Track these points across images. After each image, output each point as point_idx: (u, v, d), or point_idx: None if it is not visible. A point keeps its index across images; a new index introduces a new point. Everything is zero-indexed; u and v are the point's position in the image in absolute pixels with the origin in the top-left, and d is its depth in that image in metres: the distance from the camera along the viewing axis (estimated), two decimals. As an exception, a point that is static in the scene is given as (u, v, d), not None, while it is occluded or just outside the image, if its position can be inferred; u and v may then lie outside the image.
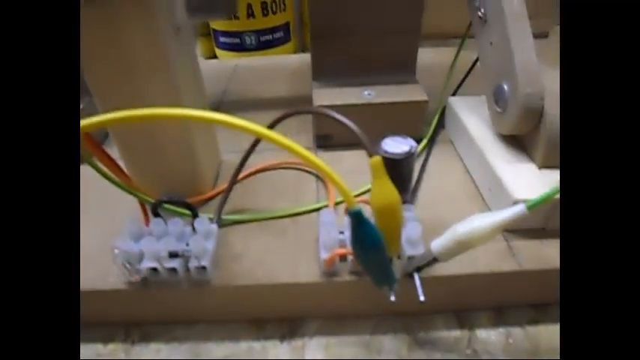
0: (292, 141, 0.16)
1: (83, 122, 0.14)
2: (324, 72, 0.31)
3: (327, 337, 0.22)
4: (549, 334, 0.22)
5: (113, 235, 0.25)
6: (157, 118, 0.16)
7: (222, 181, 0.28)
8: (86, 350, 0.23)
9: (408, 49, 0.31)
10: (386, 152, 0.21)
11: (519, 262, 0.22)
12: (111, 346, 0.23)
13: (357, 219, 0.17)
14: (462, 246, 0.18)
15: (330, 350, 0.22)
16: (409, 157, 0.21)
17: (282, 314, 0.23)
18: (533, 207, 0.18)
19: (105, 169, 0.21)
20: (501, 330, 0.23)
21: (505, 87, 0.25)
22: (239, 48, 0.50)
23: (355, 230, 0.17)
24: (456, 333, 0.23)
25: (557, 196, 0.18)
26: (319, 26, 0.29)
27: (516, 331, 0.23)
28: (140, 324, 0.23)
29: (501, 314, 0.23)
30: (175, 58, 0.21)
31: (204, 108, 0.26)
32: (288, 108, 0.21)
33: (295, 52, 0.55)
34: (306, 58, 0.47)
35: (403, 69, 0.31)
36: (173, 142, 0.24)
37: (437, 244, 0.19)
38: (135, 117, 0.15)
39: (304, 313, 0.23)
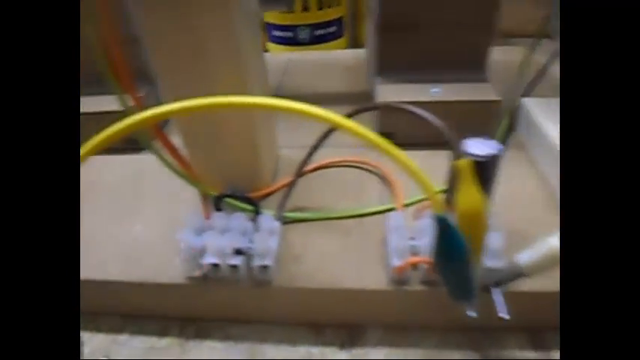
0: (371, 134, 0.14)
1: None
2: (389, 67, 0.30)
3: (389, 348, 0.21)
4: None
5: (172, 227, 0.24)
6: (232, 107, 0.15)
7: (281, 177, 0.27)
8: (141, 343, 0.22)
9: (480, 46, 0.29)
10: (471, 154, 0.19)
11: (610, 282, 0.20)
12: (166, 340, 0.22)
13: (443, 226, 0.15)
14: (556, 259, 0.17)
15: (393, 362, 0.20)
16: (495, 159, 0.19)
17: (343, 320, 0.22)
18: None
19: (167, 157, 0.21)
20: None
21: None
22: (292, 42, 0.49)
23: (440, 238, 0.16)
24: (530, 354, 0.21)
25: None
26: (388, 19, 0.28)
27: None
28: (195, 319, 0.23)
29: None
30: (245, 47, 0.21)
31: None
32: (344, 103, 0.20)
33: (347, 47, 0.53)
34: (359, 53, 0.45)
35: (473, 67, 0.29)
36: (236, 134, 0.23)
37: (525, 257, 0.17)
38: (206, 105, 0.14)
39: (366, 320, 0.22)
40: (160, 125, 0.21)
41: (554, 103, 0.28)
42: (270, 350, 0.21)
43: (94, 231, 0.24)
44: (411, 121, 0.19)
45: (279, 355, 0.21)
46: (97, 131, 0.13)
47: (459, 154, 0.17)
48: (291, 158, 0.29)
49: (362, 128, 0.15)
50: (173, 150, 0.21)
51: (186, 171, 0.21)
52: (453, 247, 0.16)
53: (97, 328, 0.23)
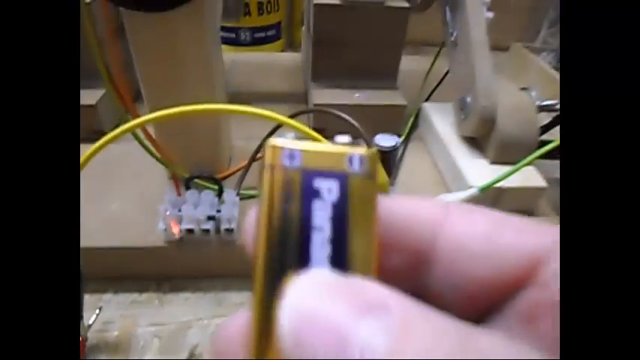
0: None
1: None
2: (321, 74, 0.37)
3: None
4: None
5: (145, 204, 0.29)
6: (206, 113, 0.20)
7: (235, 163, 0.33)
8: (123, 298, 0.27)
9: (392, 61, 0.37)
10: (378, 145, 0.27)
11: (472, 233, 0.29)
12: (145, 295, 0.28)
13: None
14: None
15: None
16: (395, 150, 0.27)
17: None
18: (483, 190, 0.25)
19: (146, 141, 0.26)
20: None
21: (468, 99, 0.32)
22: (234, 42, 0.54)
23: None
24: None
25: (501, 184, 0.25)
26: (320, 36, 0.35)
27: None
28: (170, 278, 0.28)
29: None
30: (213, 56, 0.26)
31: (225, 98, 0.31)
32: (283, 102, 0.26)
33: (284, 49, 0.60)
34: (296, 57, 0.52)
35: (387, 76, 0.38)
36: (203, 128, 0.28)
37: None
38: (185, 112, 0.19)
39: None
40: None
41: (445, 108, 0.37)
42: (234, 296, 0.28)
43: (74, 209, 0.29)
44: (337, 120, 0.26)
45: (242, 299, 0.27)
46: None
47: (369, 144, 0.25)
48: (242, 148, 0.35)
49: (301, 125, 0.21)
50: (153, 140, 0.26)
51: (163, 157, 0.27)
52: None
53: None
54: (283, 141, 0.10)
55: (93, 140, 0.18)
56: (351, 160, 0.10)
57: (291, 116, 0.26)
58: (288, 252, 0.09)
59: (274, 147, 0.10)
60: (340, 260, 0.09)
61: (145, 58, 0.25)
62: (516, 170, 0.26)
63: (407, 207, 0.11)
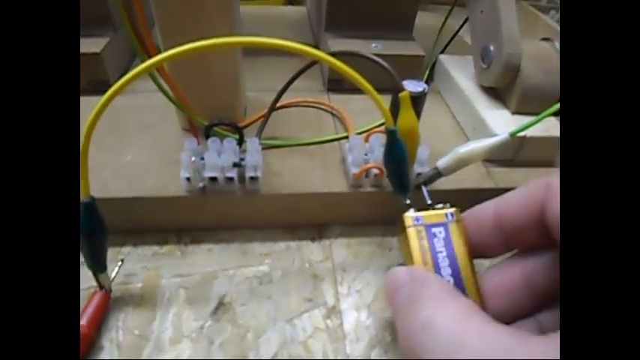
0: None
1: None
2: (336, 25, 0.35)
3: (348, 238, 0.28)
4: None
5: (161, 154, 0.28)
6: (226, 47, 0.18)
7: (250, 115, 0.32)
8: (143, 251, 0.27)
9: (408, 11, 0.36)
10: (409, 90, 0.26)
11: (495, 182, 0.29)
12: (166, 247, 0.27)
13: (393, 135, 0.22)
14: (462, 163, 0.25)
15: (352, 248, 0.28)
16: (423, 95, 0.26)
17: (312, 221, 0.28)
18: (513, 134, 0.24)
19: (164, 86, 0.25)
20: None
21: (491, 47, 0.31)
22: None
23: (389, 144, 0.23)
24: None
25: (525, 132, 0.25)
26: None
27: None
28: (190, 230, 0.28)
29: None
30: (234, 4, 0.25)
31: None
32: (293, 54, 0.25)
33: (284, 3, 0.57)
34: (301, 10, 0.50)
35: (403, 27, 0.36)
36: (222, 74, 0.27)
37: (442, 162, 0.25)
38: (210, 46, 0.17)
39: (330, 220, 0.28)
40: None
41: (463, 59, 0.36)
42: (257, 247, 0.27)
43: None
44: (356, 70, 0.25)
45: (267, 250, 0.27)
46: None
47: (401, 89, 0.24)
48: (255, 99, 0.34)
49: (339, 62, 0.20)
50: (174, 87, 0.25)
51: (183, 105, 0.25)
52: (397, 149, 0.23)
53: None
54: (412, 213, 0.21)
55: (98, 92, 0.16)
56: (447, 215, 0.20)
57: (332, 54, 0.25)
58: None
59: (408, 217, 0.20)
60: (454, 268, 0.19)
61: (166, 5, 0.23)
62: (544, 117, 0.26)
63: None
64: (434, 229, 0.21)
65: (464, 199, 0.29)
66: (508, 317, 0.18)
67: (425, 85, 0.27)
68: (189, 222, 0.27)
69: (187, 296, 0.24)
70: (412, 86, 0.27)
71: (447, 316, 0.13)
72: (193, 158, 0.24)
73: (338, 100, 0.34)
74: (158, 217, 0.27)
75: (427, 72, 0.37)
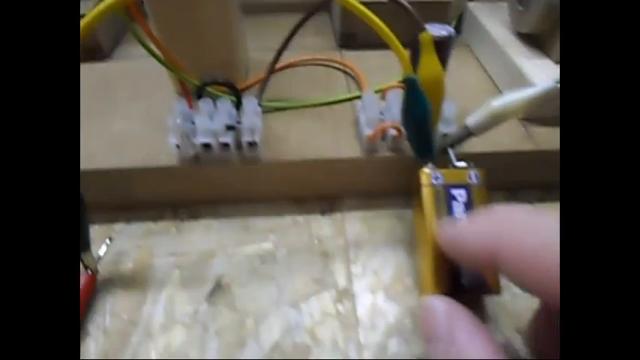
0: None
1: None
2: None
3: (362, 211, 0.25)
4: (555, 208, 0.25)
5: (152, 121, 0.25)
6: None
7: (252, 76, 0.29)
8: (136, 227, 0.24)
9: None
10: (433, 33, 0.22)
11: (536, 143, 0.24)
12: (161, 224, 0.24)
13: (412, 85, 0.18)
14: (496, 119, 0.20)
15: (367, 222, 0.24)
16: (450, 39, 0.22)
17: (322, 192, 0.25)
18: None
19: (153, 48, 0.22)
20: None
21: (530, -17, 0.26)
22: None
23: (408, 96, 0.19)
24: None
25: None
26: None
27: (526, 207, 0.26)
28: (187, 204, 0.25)
29: (513, 192, 0.26)
30: None
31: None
32: (300, 11, 0.22)
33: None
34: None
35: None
36: (213, 32, 0.24)
37: (472, 119, 0.21)
38: None
39: (343, 190, 0.25)
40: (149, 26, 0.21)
41: (495, 6, 0.32)
42: (261, 222, 0.24)
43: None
44: (366, 26, 0.21)
45: (271, 225, 0.24)
46: None
47: (422, 29, 0.20)
48: (261, 60, 0.30)
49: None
50: (160, 46, 0.21)
51: (170, 60, 0.22)
52: (418, 103, 0.19)
53: (89, 221, 0.24)
54: (430, 170, 0.19)
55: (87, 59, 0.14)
56: (470, 176, 0.19)
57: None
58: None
59: (426, 173, 0.19)
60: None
61: None
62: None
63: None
64: (454, 191, 0.18)
65: (499, 164, 0.25)
66: None
67: (451, 29, 0.23)
68: (186, 195, 0.24)
69: (182, 277, 0.22)
70: (437, 30, 0.22)
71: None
72: (178, 120, 0.21)
73: (352, 57, 0.30)
74: (152, 191, 0.24)
75: (454, 23, 0.33)
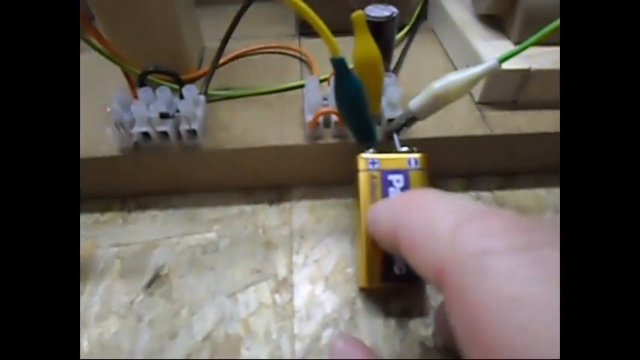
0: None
1: None
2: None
3: (311, 200, 0.24)
4: (515, 197, 0.25)
5: (103, 112, 0.25)
6: None
7: (206, 65, 0.28)
8: (84, 219, 0.24)
9: None
10: (369, 16, 0.21)
11: (491, 127, 0.23)
12: (108, 215, 0.24)
13: (340, 65, 0.18)
14: (439, 101, 0.19)
15: (315, 211, 0.24)
16: (390, 21, 0.21)
17: (270, 182, 0.24)
18: (504, 60, 0.19)
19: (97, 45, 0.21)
20: (472, 193, 0.25)
21: (487, -38, 0.25)
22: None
23: (338, 77, 0.18)
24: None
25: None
26: None
27: (485, 195, 0.25)
28: (136, 195, 0.25)
29: (472, 180, 0.25)
30: None
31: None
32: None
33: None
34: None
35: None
36: (157, 21, 0.23)
37: (415, 102, 0.20)
38: None
39: (291, 180, 0.24)
40: (89, 20, 0.21)
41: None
42: (207, 212, 0.24)
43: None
44: (332, 10, 0.20)
45: (217, 215, 0.24)
46: None
47: (354, 9, 0.19)
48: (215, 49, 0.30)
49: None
50: (99, 37, 0.21)
51: (113, 54, 0.22)
52: (349, 86, 0.18)
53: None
54: (368, 154, 0.19)
55: None
56: (409, 161, 0.19)
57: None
58: None
59: (362, 158, 0.19)
60: None
61: None
62: (544, 36, 0.20)
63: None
64: (391, 177, 0.18)
65: (452, 150, 0.24)
66: None
67: (394, 9, 0.22)
68: (133, 186, 0.24)
69: (122, 268, 0.21)
70: (379, 10, 0.22)
71: None
72: (109, 109, 0.20)
73: (309, 45, 0.30)
74: (97, 182, 0.24)
75: (419, 8, 0.32)
